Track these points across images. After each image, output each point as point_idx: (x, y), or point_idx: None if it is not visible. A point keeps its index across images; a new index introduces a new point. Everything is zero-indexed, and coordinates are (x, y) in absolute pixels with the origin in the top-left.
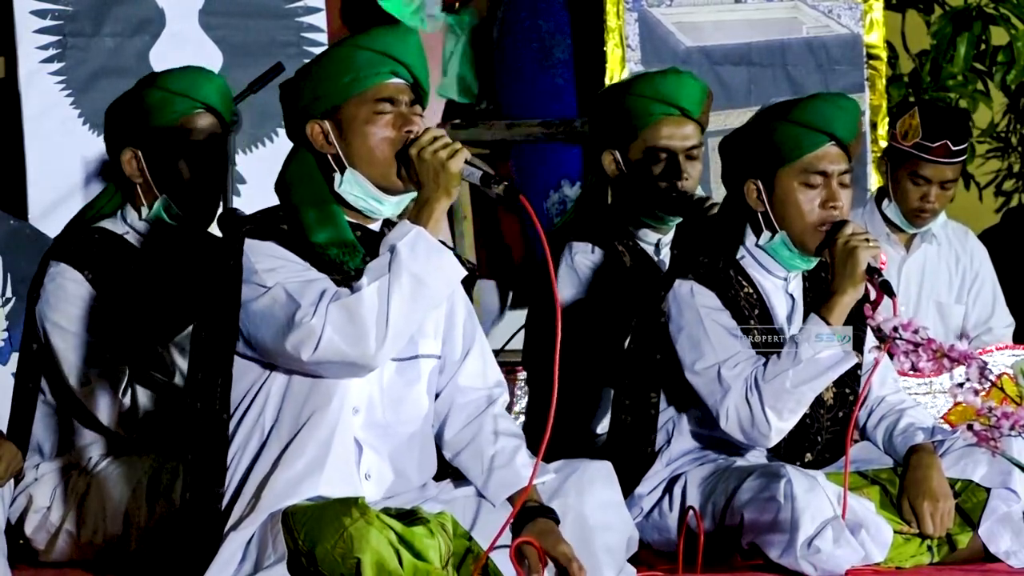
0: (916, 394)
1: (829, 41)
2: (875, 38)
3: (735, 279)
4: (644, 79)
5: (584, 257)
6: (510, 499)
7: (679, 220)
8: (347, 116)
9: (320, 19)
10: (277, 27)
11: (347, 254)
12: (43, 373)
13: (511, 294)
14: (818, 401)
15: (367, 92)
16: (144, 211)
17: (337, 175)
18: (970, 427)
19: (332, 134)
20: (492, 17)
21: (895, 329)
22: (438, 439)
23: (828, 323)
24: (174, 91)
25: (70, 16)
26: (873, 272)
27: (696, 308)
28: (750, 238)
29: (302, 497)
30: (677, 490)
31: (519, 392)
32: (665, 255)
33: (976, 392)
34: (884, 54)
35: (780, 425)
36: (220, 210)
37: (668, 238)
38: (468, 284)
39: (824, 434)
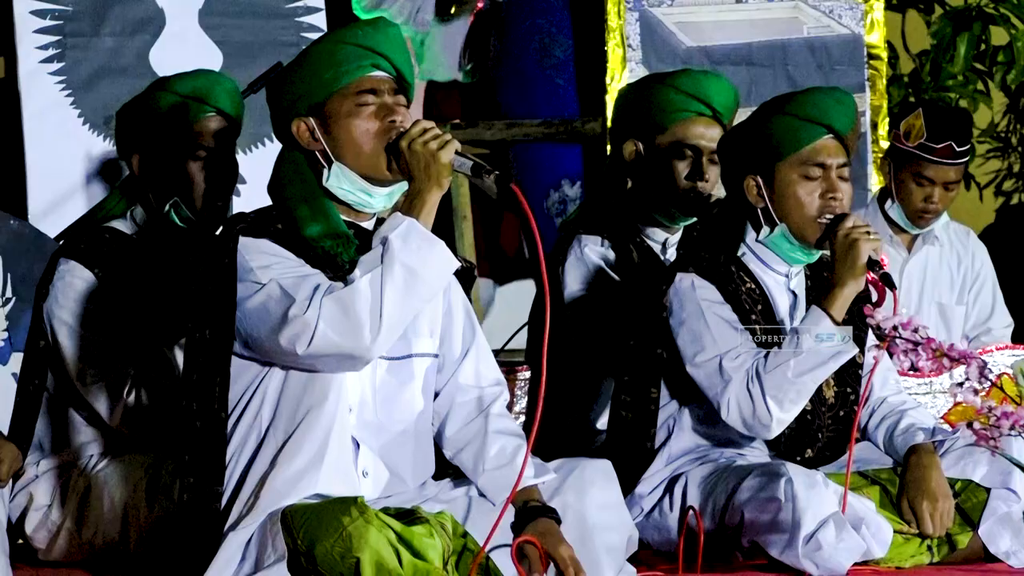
0: (916, 394)
1: (830, 41)
2: (876, 38)
3: (736, 274)
4: (686, 74)
5: (594, 249)
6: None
7: (690, 221)
8: (331, 111)
9: (320, 19)
10: (277, 27)
11: (341, 246)
12: (48, 370)
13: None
14: (819, 399)
15: (349, 86)
16: (153, 213)
17: (325, 170)
18: (970, 426)
19: (318, 130)
20: (492, 16)
21: (895, 328)
22: (438, 438)
23: (829, 315)
24: (186, 94)
25: (70, 16)
26: (874, 265)
27: (697, 301)
28: (750, 235)
29: (301, 495)
30: (678, 490)
31: (519, 392)
32: (671, 255)
33: (976, 391)
34: (885, 54)
35: (781, 416)
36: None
37: (675, 239)
38: (467, 284)
39: (825, 432)
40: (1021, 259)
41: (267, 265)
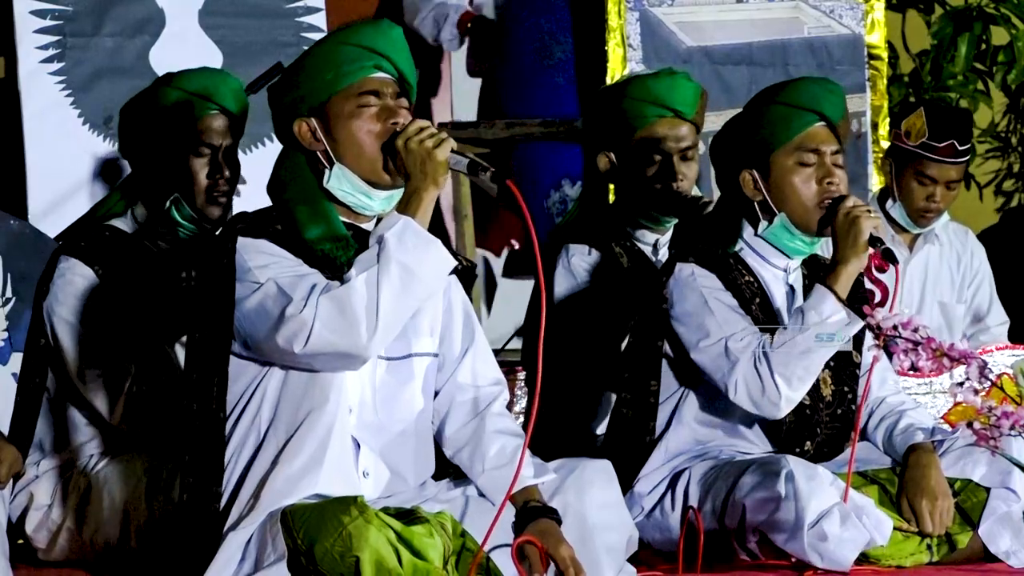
0: (916, 394)
1: (830, 41)
2: (876, 38)
3: (735, 267)
4: (637, 81)
5: (581, 259)
6: (511, 498)
7: (676, 221)
8: (332, 112)
9: (320, 19)
10: (277, 27)
11: (340, 248)
12: (48, 369)
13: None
14: (817, 395)
15: (351, 87)
16: (155, 211)
17: (326, 171)
18: (970, 426)
19: (319, 131)
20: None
21: (895, 328)
22: (438, 437)
23: (833, 291)
24: (191, 92)
25: (70, 16)
26: (876, 242)
27: (698, 289)
28: (748, 230)
29: (301, 495)
30: (679, 489)
31: (519, 392)
32: (663, 256)
33: (976, 391)
34: (885, 54)
35: (790, 393)
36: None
37: (666, 239)
38: (467, 283)
39: (823, 428)
40: (1021, 259)
41: (265, 265)
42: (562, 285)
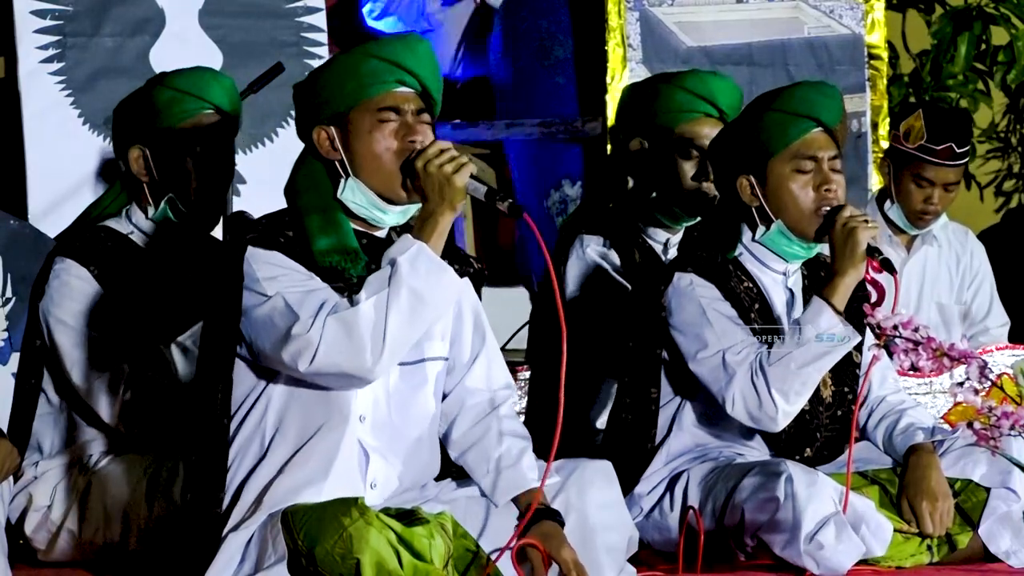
0: (916, 394)
1: (830, 41)
2: (876, 38)
3: (734, 274)
4: (693, 75)
5: (595, 249)
6: (515, 500)
7: (692, 221)
8: (352, 123)
9: (320, 19)
10: (277, 27)
11: (349, 261)
12: (45, 370)
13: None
14: (817, 399)
15: (372, 100)
16: (150, 210)
17: (342, 182)
18: (970, 426)
19: (337, 140)
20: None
21: (895, 328)
22: (444, 439)
23: (831, 304)
24: (184, 91)
25: (70, 16)
26: (873, 252)
27: (696, 299)
28: (746, 235)
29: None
30: (678, 490)
31: (519, 393)
32: (672, 256)
33: (976, 391)
34: (885, 54)
35: (787, 408)
36: (227, 211)
37: (676, 239)
38: (477, 286)
39: (823, 431)
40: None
41: (274, 277)
42: (575, 275)
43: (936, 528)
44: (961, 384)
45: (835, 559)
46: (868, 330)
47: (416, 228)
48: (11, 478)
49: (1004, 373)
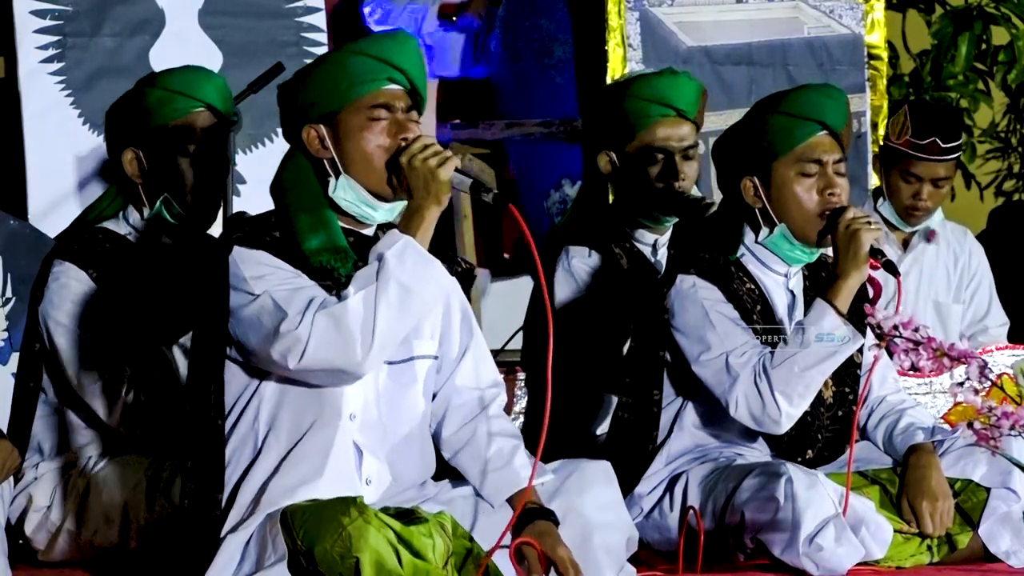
0: (916, 394)
1: (830, 41)
2: (876, 38)
3: (736, 275)
4: (640, 80)
5: (581, 261)
6: (508, 500)
7: (676, 220)
8: (343, 122)
9: (320, 19)
10: (277, 27)
11: (338, 260)
12: (45, 372)
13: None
14: (818, 399)
15: (363, 98)
16: (146, 211)
17: (332, 180)
18: (970, 426)
19: (328, 139)
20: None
21: (895, 328)
22: (435, 438)
23: (834, 306)
24: (174, 90)
25: (70, 16)
26: (876, 253)
27: (699, 301)
28: (749, 236)
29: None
30: (678, 490)
31: (519, 392)
32: (662, 256)
33: (976, 391)
34: (885, 54)
35: (790, 411)
36: (223, 211)
37: (665, 238)
38: (466, 285)
39: (824, 432)
40: (1019, 259)
41: (261, 275)
42: (562, 287)
43: (936, 528)
44: (961, 384)
45: (834, 561)
46: (868, 330)
47: (402, 223)
48: (11, 479)
49: (1004, 373)
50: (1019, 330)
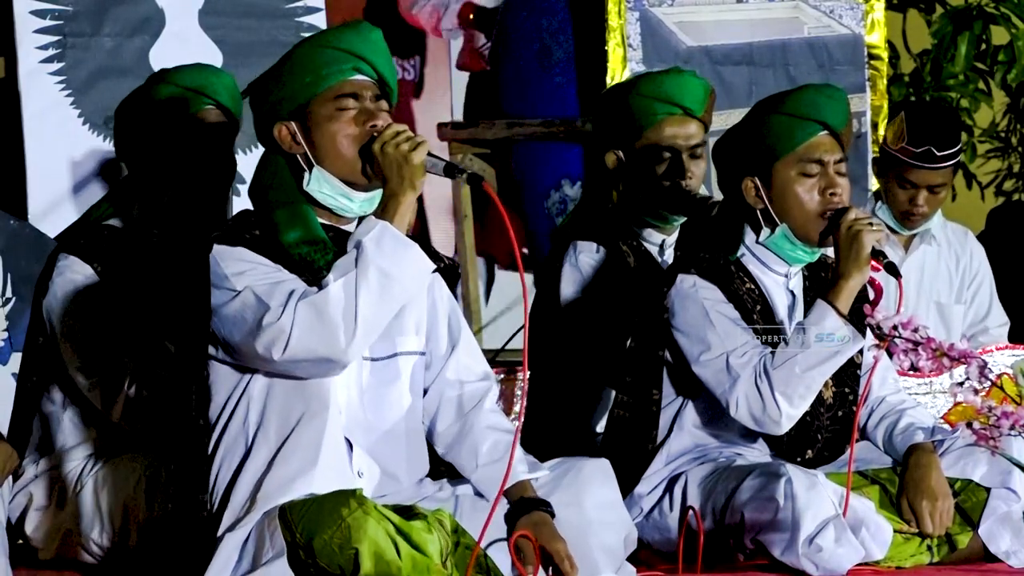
0: (916, 394)
1: (830, 41)
2: (876, 38)
3: (736, 275)
4: (647, 79)
5: (588, 256)
6: (505, 494)
7: (683, 220)
8: (312, 115)
9: (320, 19)
10: (277, 27)
11: (317, 252)
12: (48, 367)
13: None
14: (818, 400)
15: (330, 89)
16: (152, 209)
17: (306, 174)
18: (970, 426)
19: (299, 134)
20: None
21: (895, 328)
22: (429, 434)
23: (835, 307)
24: (184, 87)
25: (70, 16)
26: (878, 255)
27: (700, 301)
28: (750, 236)
29: (296, 496)
30: (677, 490)
31: (519, 392)
32: (669, 256)
33: (976, 391)
34: (885, 54)
35: (791, 411)
36: (228, 211)
37: (672, 239)
38: (451, 281)
39: (824, 432)
40: (1019, 259)
41: (241, 272)
42: (568, 282)
43: (936, 528)
44: (961, 384)
45: (834, 562)
46: (869, 330)
47: (378, 210)
48: (10, 477)
49: (1004, 373)
50: (1020, 330)
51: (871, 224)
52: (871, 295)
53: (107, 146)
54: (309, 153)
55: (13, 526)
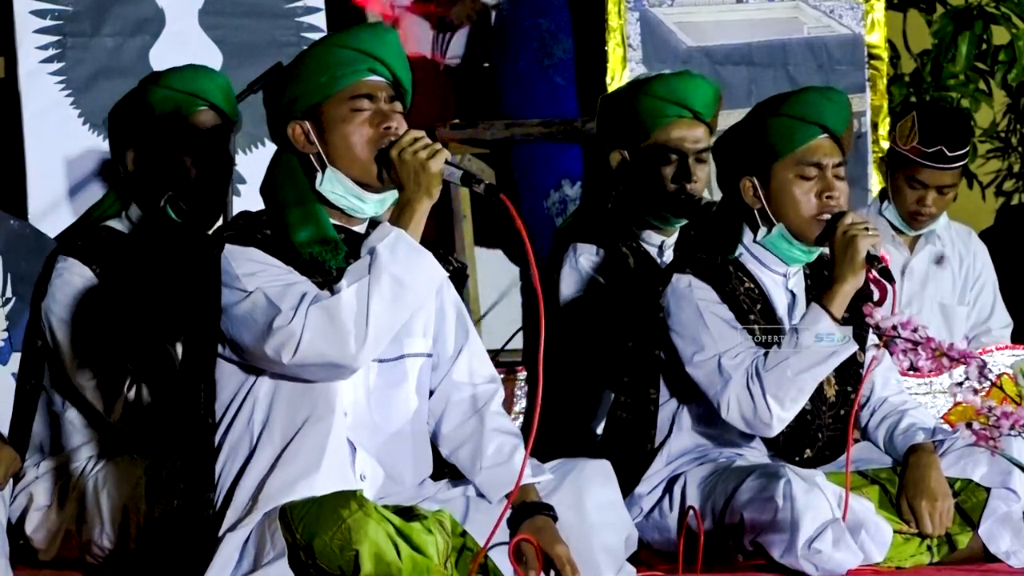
0: (916, 394)
1: (830, 41)
2: (876, 38)
3: (735, 275)
4: (659, 80)
5: (588, 258)
6: (507, 497)
7: (684, 222)
8: (326, 115)
9: (320, 19)
10: (277, 27)
11: (329, 252)
12: (47, 369)
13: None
14: (820, 398)
15: (345, 90)
16: (150, 210)
17: (319, 174)
18: (970, 426)
19: (312, 133)
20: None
21: (895, 328)
22: (434, 436)
23: (829, 312)
24: (177, 89)
25: (70, 16)
26: (873, 260)
27: (694, 302)
28: (748, 235)
29: (298, 498)
30: (677, 490)
31: (519, 392)
32: (668, 258)
33: (976, 391)
34: (885, 54)
35: (782, 414)
36: (227, 211)
37: (672, 240)
38: (459, 284)
39: (825, 431)
40: (1019, 258)
41: (253, 272)
42: (568, 284)
43: (936, 528)
44: (961, 384)
45: (832, 563)
46: (871, 330)
47: (393, 216)
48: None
49: (1004, 373)
50: (1020, 330)
51: (867, 229)
52: (875, 295)
53: (107, 146)
54: (322, 153)
55: (13, 527)
